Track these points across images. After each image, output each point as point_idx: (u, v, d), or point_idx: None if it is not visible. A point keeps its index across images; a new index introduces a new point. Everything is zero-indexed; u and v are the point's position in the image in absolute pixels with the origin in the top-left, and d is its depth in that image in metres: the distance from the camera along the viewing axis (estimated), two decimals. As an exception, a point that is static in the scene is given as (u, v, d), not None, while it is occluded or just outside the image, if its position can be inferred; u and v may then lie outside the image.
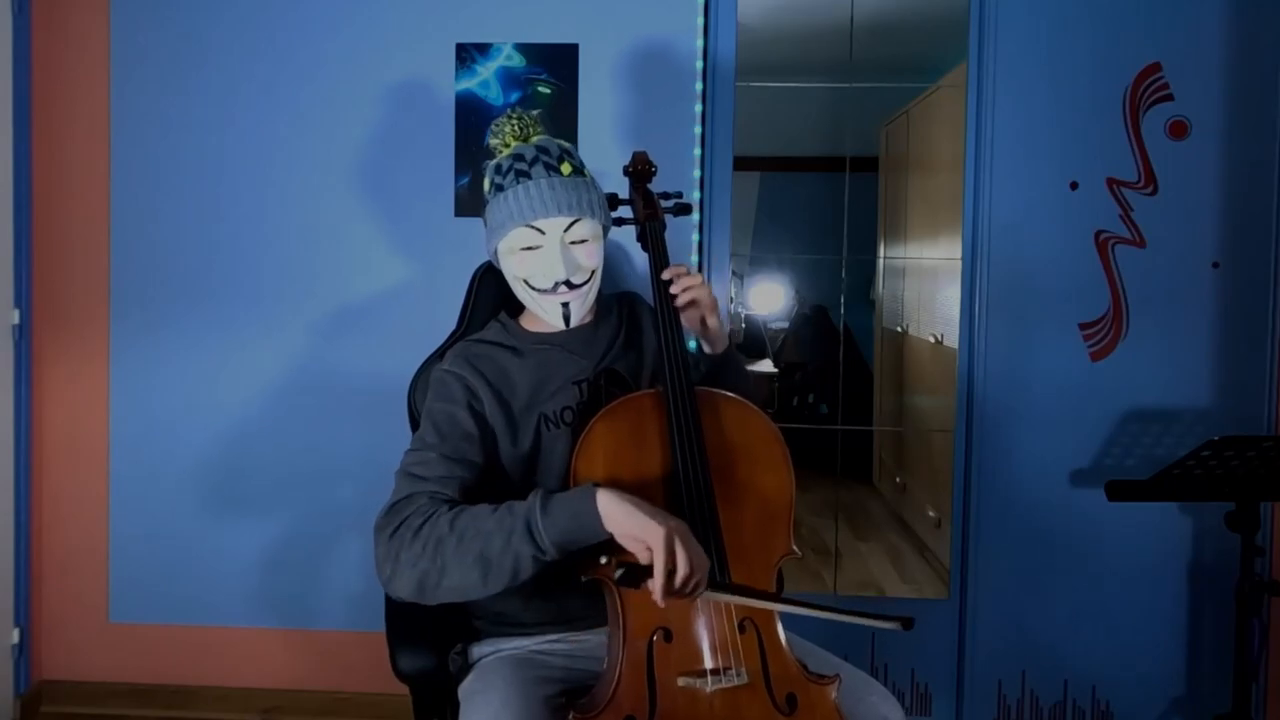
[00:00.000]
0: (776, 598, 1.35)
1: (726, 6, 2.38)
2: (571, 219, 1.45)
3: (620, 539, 1.21)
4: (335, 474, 2.47)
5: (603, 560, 1.20)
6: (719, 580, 1.31)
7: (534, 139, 1.51)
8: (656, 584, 1.18)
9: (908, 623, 1.25)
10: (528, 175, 1.45)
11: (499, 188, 1.47)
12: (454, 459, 1.37)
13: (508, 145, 1.51)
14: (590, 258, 1.49)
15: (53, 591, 2.55)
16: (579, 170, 1.50)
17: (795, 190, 2.71)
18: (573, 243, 1.47)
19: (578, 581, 1.29)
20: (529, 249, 1.46)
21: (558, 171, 1.46)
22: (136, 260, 2.47)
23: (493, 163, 1.52)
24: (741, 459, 1.42)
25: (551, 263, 1.45)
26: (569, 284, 1.46)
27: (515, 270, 1.49)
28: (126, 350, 2.49)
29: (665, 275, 1.50)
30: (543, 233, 1.45)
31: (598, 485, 1.23)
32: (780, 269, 2.70)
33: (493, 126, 1.53)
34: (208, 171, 2.45)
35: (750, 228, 2.68)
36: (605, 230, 1.54)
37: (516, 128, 1.51)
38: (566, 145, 1.53)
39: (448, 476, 1.35)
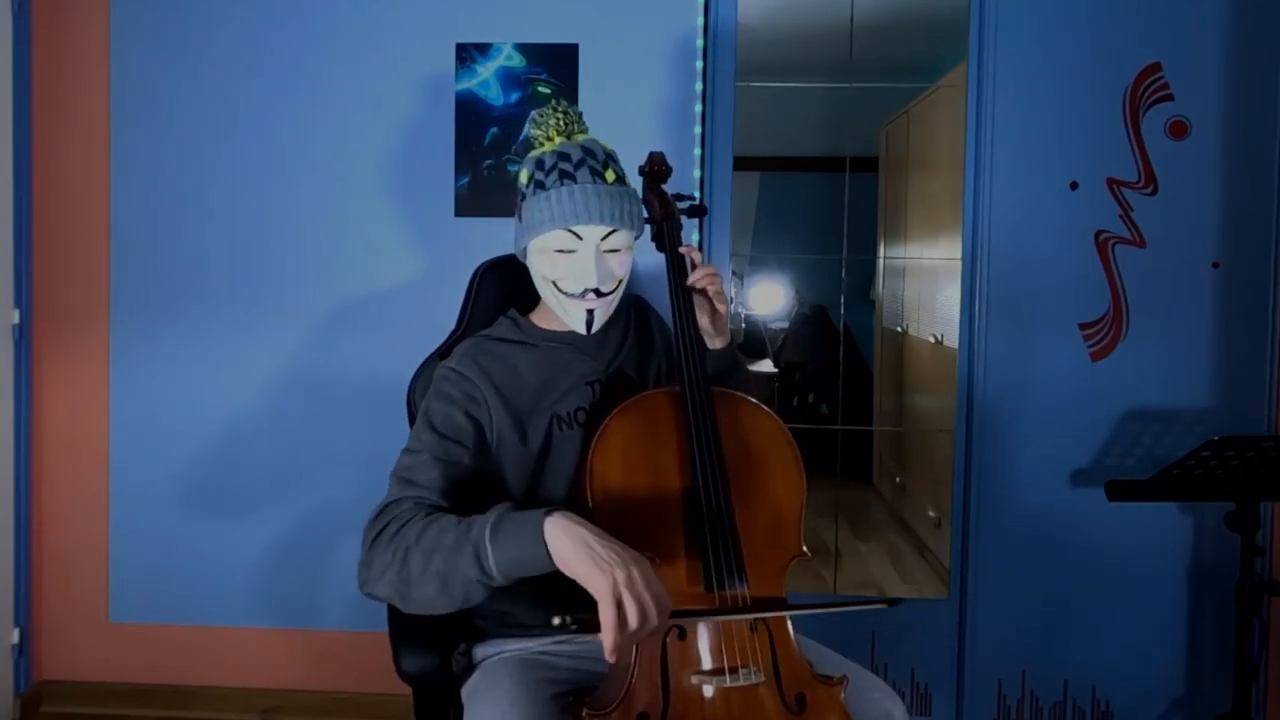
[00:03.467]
0: (756, 609, 1.33)
1: (726, 6, 2.38)
2: (611, 229, 1.43)
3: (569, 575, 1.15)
4: (335, 474, 2.47)
5: (555, 621, 1.15)
6: (735, 578, 1.31)
7: (578, 138, 1.47)
8: (605, 640, 1.10)
9: (892, 601, 1.30)
10: (573, 178, 1.42)
11: (540, 185, 1.44)
12: (446, 461, 1.36)
13: (550, 139, 1.47)
14: (621, 267, 1.47)
15: (53, 591, 2.55)
16: (621, 179, 1.47)
17: (795, 190, 2.72)
18: (607, 251, 1.44)
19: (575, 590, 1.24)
20: (563, 251, 1.43)
21: (602, 178, 1.43)
22: (136, 260, 2.47)
23: (533, 155, 1.48)
24: (755, 460, 1.42)
25: (585, 269, 1.43)
26: (598, 291, 1.44)
27: (545, 271, 1.46)
28: (126, 350, 2.49)
29: (682, 250, 1.51)
30: (580, 238, 1.42)
31: (552, 512, 1.17)
32: (780, 269, 2.70)
33: (535, 116, 1.48)
34: (208, 171, 2.45)
35: (750, 228, 2.68)
36: (635, 239, 1.51)
37: (561, 122, 1.47)
38: (611, 150, 1.49)
39: (437, 480, 1.34)
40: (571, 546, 1.14)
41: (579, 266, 1.43)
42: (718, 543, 1.31)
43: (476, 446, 1.41)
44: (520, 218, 1.48)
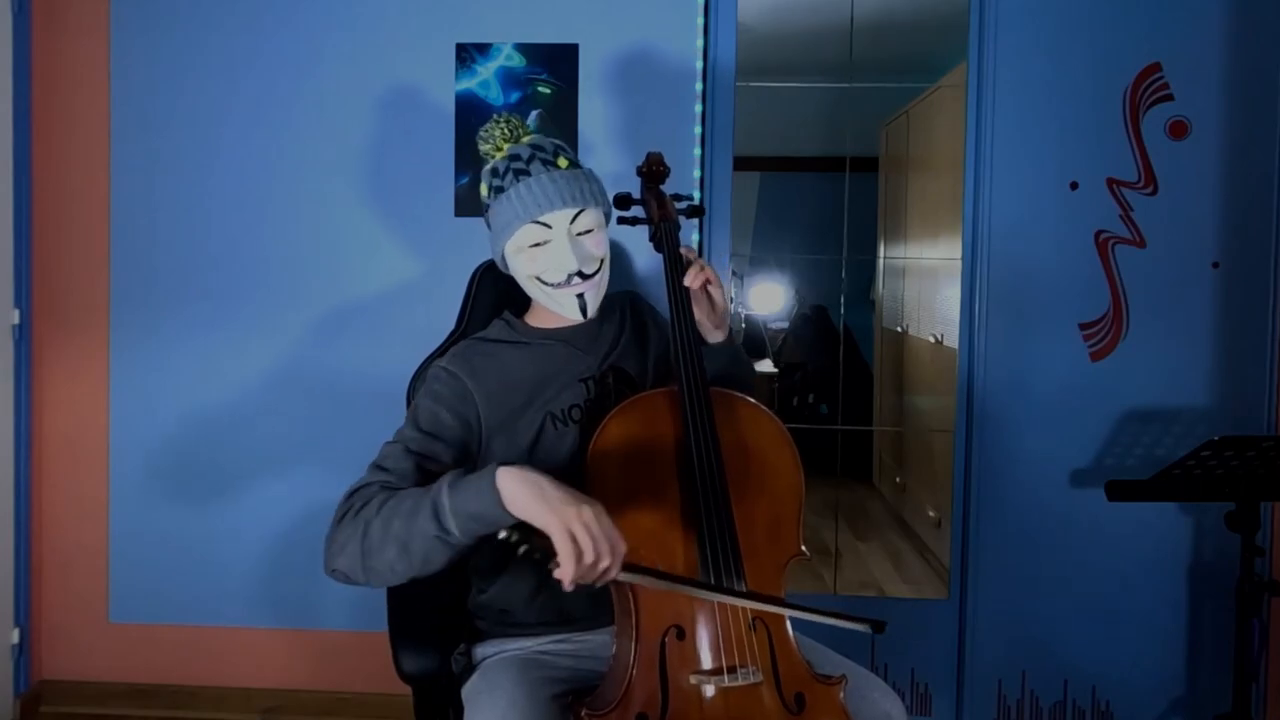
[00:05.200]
0: (731, 594, 1.31)
1: (726, 6, 2.38)
2: (576, 210, 1.46)
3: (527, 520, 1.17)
4: (335, 474, 2.44)
5: (501, 535, 1.16)
6: (733, 576, 1.30)
7: (525, 139, 1.51)
8: (564, 573, 1.13)
9: (878, 626, 1.25)
10: (526, 172, 1.46)
11: (499, 189, 1.48)
12: (421, 454, 1.37)
13: (499, 149, 1.51)
14: (598, 247, 1.50)
15: (53, 591, 2.55)
16: (575, 163, 1.51)
17: (795, 190, 2.72)
18: (579, 234, 1.47)
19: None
20: (537, 245, 1.46)
21: (555, 165, 1.47)
22: (136, 260, 2.47)
23: (487, 167, 1.52)
24: (753, 459, 1.42)
25: (562, 256, 1.45)
26: (581, 274, 1.47)
27: (526, 269, 1.49)
28: (126, 350, 2.49)
29: (683, 251, 1.50)
30: (549, 227, 1.45)
31: (503, 464, 1.19)
32: (780, 269, 2.70)
33: (481, 133, 1.53)
34: (208, 171, 2.45)
35: (750, 228, 2.68)
36: (607, 219, 1.54)
37: (506, 130, 1.51)
38: (558, 141, 1.53)
39: (408, 471, 1.35)
40: (524, 490, 1.16)
41: (555, 255, 1.46)
42: (715, 542, 1.31)
43: (459, 446, 1.42)
44: (490, 226, 1.52)
